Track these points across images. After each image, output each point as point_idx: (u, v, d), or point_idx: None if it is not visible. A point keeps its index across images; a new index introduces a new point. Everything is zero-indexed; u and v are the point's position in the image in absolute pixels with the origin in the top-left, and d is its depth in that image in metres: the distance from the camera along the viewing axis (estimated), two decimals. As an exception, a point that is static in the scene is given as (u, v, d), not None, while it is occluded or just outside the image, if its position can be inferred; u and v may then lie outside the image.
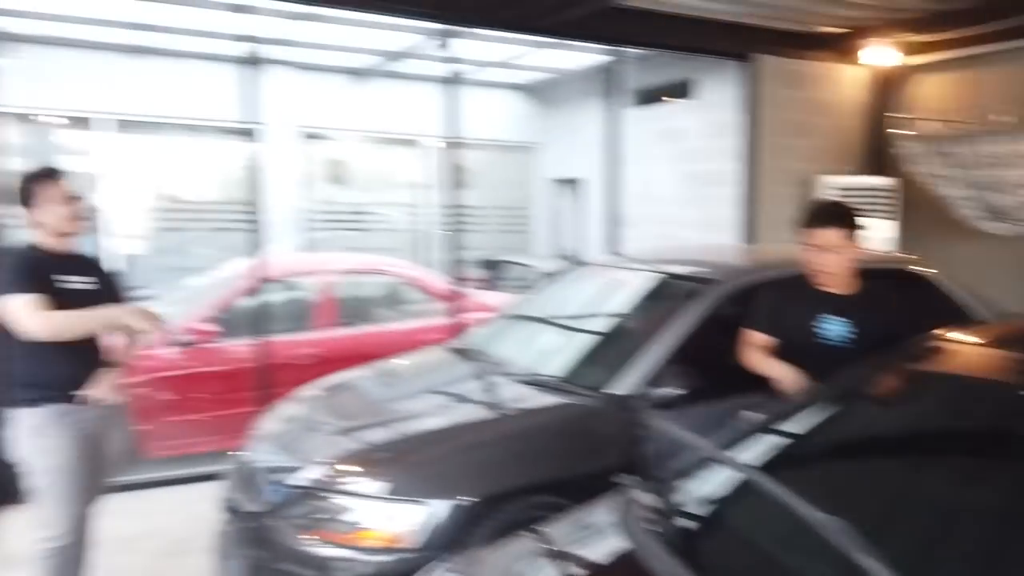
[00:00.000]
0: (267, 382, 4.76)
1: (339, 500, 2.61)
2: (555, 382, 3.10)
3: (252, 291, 5.58)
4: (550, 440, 2.83)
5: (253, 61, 4.47)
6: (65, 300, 2.74)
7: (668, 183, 7.39)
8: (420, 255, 9.04)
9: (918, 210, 6.15)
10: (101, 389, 2.82)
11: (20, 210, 2.84)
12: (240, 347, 5.36)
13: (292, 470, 2.83)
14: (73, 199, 2.84)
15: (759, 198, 6.38)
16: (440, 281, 6.35)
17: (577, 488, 2.72)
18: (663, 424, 2.13)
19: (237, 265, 6.49)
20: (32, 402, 2.74)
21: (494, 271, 7.63)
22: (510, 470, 2.70)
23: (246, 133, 8.01)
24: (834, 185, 6.32)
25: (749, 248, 5.79)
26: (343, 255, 7.70)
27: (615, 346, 3.35)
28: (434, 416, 3.01)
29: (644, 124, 7.50)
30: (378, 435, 2.91)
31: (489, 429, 2.88)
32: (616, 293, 3.65)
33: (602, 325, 3.57)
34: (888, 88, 6.61)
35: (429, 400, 3.22)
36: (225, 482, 3.32)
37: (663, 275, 3.53)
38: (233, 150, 8.43)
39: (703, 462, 1.97)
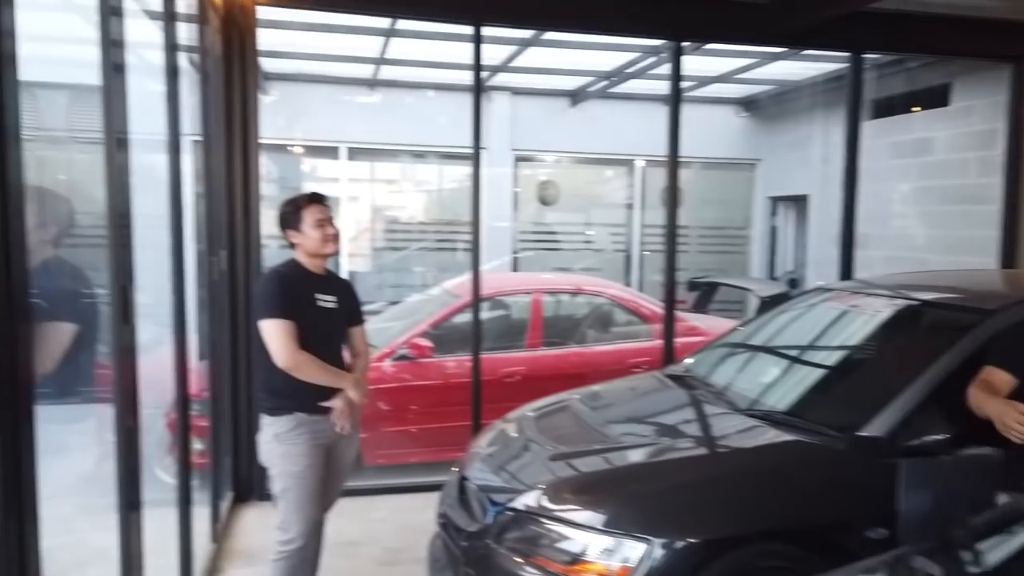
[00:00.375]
0: (478, 398, 4.81)
1: (557, 528, 2.49)
2: (789, 419, 2.78)
3: (465, 309, 5.73)
4: (785, 483, 2.53)
5: (479, 88, 4.57)
6: (315, 318, 2.89)
7: (906, 200, 6.64)
8: (630, 276, 8.88)
9: None
10: (343, 402, 2.95)
11: (285, 232, 3.03)
12: (452, 363, 5.51)
13: (509, 492, 2.77)
14: (331, 222, 3.00)
15: (1019, 217, 5.51)
16: (650, 303, 6.14)
17: (816, 539, 2.42)
18: (941, 473, 1.79)
19: (452, 283, 6.73)
20: (279, 410, 2.91)
21: (707, 294, 7.27)
22: (739, 512, 2.43)
23: (466, 157, 8.41)
24: None
25: (1016, 274, 5.00)
26: (552, 275, 7.74)
27: (862, 382, 2.97)
28: (654, 446, 2.82)
29: (879, 137, 6.82)
30: (596, 463, 2.77)
31: (715, 465, 2.64)
32: (859, 323, 3.25)
33: (843, 358, 3.18)
34: None
35: (647, 429, 3.03)
36: (440, 497, 3.33)
37: (921, 304, 3.08)
38: (451, 173, 8.82)
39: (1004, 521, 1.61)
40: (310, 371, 2.85)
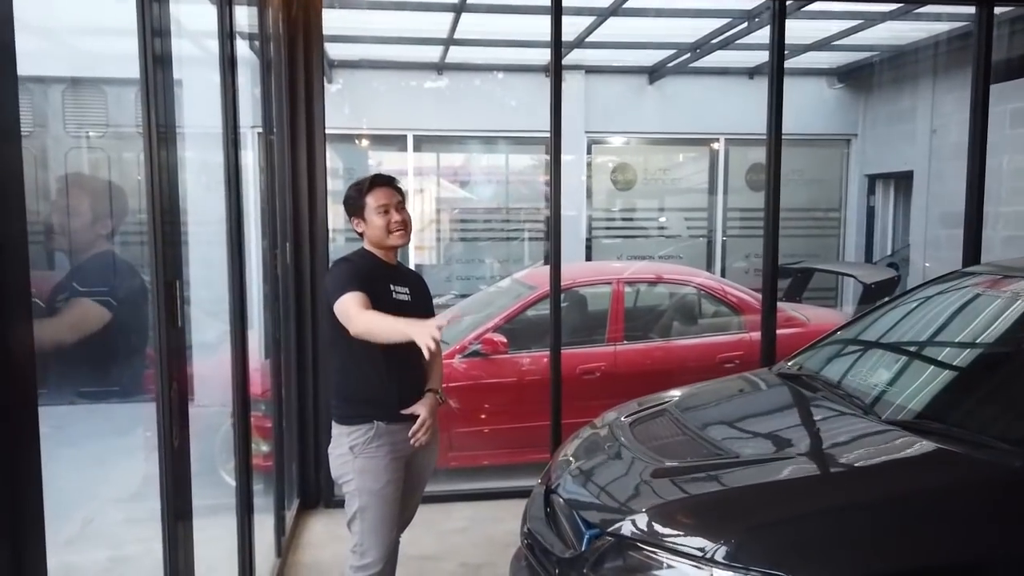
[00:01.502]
0: (558, 397, 4.44)
1: (668, 558, 2.09)
2: (945, 428, 2.30)
3: (541, 301, 5.36)
4: (953, 508, 2.06)
5: (559, 66, 4.17)
6: (390, 310, 2.56)
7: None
8: (712, 263, 8.34)
9: None
10: (425, 409, 2.63)
11: (351, 220, 2.74)
12: (528, 359, 5.15)
13: (606, 513, 2.38)
14: (399, 208, 2.67)
15: None
16: (741, 291, 5.64)
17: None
18: None
19: (524, 273, 6.36)
20: (355, 419, 2.59)
21: (801, 281, 6.69)
22: (899, 544, 1.98)
23: (538, 142, 8.07)
24: None
25: None
26: (633, 263, 7.30)
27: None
28: (779, 462, 2.38)
29: (996, 104, 6.09)
30: (710, 481, 2.34)
31: (861, 486, 2.18)
32: (1019, 313, 2.72)
33: (1006, 354, 2.66)
34: None
35: (766, 439, 2.58)
36: (524, 511, 2.98)
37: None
38: (522, 160, 8.45)
39: None
40: (379, 323, 2.42)
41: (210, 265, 3.31)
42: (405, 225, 2.66)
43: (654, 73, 7.88)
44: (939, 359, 2.85)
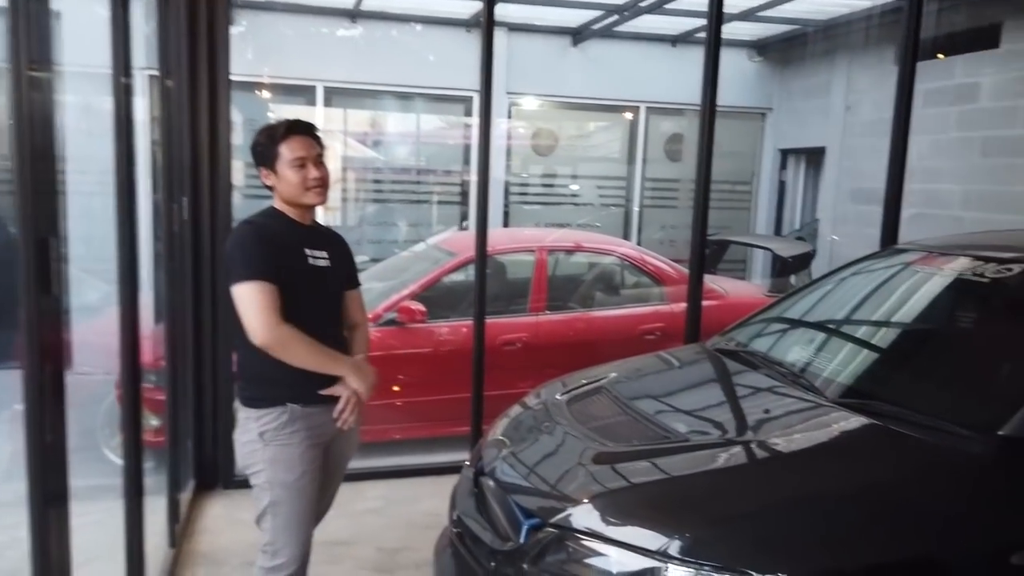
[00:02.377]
0: (480, 368, 4.23)
1: (618, 554, 1.92)
2: (901, 412, 2.22)
3: (462, 267, 5.11)
4: (919, 498, 1.97)
5: (491, 18, 3.88)
6: (305, 279, 2.27)
7: (940, 153, 6.09)
8: (630, 233, 8.29)
9: None
10: (354, 381, 2.32)
11: (259, 170, 2.35)
12: (447, 328, 4.91)
13: (546, 501, 2.19)
14: (317, 163, 2.32)
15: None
16: (666, 263, 5.56)
17: (965, 571, 1.89)
18: None
19: (442, 238, 6.08)
20: (266, 401, 2.26)
21: (716, 253, 6.71)
22: (865, 538, 1.87)
23: (459, 100, 7.74)
24: None
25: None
26: (555, 231, 7.13)
27: (986, 366, 2.41)
28: (733, 447, 2.24)
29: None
30: (660, 468, 2.18)
31: (823, 475, 2.06)
32: (965, 291, 2.68)
33: (952, 334, 2.62)
34: None
35: (715, 421, 2.45)
36: (452, 496, 2.76)
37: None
38: (440, 118, 8.09)
39: None
40: (296, 351, 2.19)
41: (93, 218, 2.91)
42: (324, 182, 2.33)
43: (578, 35, 7.67)
44: (886, 338, 2.79)
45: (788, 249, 5.85)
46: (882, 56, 6.72)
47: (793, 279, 5.98)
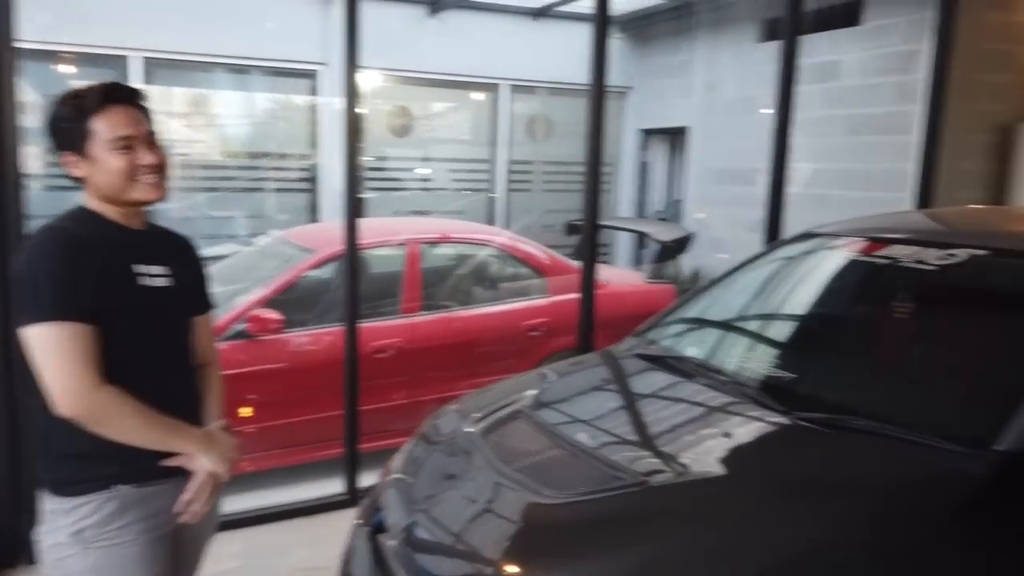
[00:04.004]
0: (354, 382, 3.65)
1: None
2: (880, 428, 1.90)
3: (322, 265, 4.46)
4: (913, 530, 1.64)
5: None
6: (135, 306, 1.63)
7: (806, 131, 6.10)
8: (495, 220, 7.86)
9: None
10: (207, 460, 1.69)
11: (62, 157, 1.64)
12: (308, 338, 4.25)
13: (473, 566, 1.70)
14: (151, 144, 1.65)
15: (940, 148, 5.10)
16: (547, 253, 5.17)
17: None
18: None
19: (296, 232, 5.36)
20: (83, 485, 1.59)
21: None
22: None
23: (304, 76, 6.94)
24: (1042, 131, 5.05)
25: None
26: (422, 221, 6.56)
27: (958, 368, 2.15)
28: (701, 488, 1.83)
29: (776, 61, 6.22)
30: (621, 525, 1.72)
31: (798, 511, 1.68)
32: (903, 280, 2.42)
33: (904, 331, 2.36)
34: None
35: (670, 453, 2.02)
36: (343, 561, 2.20)
37: (991, 254, 2.30)
38: (282, 96, 7.25)
39: None
40: (121, 425, 1.55)
41: None
42: (159, 169, 1.67)
43: (436, 4, 7.08)
44: (836, 338, 2.50)
45: (666, 233, 5.64)
46: (743, 34, 6.67)
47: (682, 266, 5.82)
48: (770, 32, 6.39)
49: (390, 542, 1.99)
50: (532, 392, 2.45)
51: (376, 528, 2.12)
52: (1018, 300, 2.22)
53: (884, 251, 2.54)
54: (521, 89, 7.84)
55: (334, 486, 3.72)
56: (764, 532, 1.60)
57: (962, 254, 2.33)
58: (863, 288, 2.59)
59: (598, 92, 3.94)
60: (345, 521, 2.39)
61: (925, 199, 5.02)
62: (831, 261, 2.74)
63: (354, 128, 3.40)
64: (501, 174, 7.93)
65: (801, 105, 5.78)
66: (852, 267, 2.64)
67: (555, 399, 2.45)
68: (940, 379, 2.13)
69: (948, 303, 2.33)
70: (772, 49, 6.13)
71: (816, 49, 5.86)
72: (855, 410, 2.01)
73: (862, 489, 1.73)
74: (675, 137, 7.97)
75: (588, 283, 4.03)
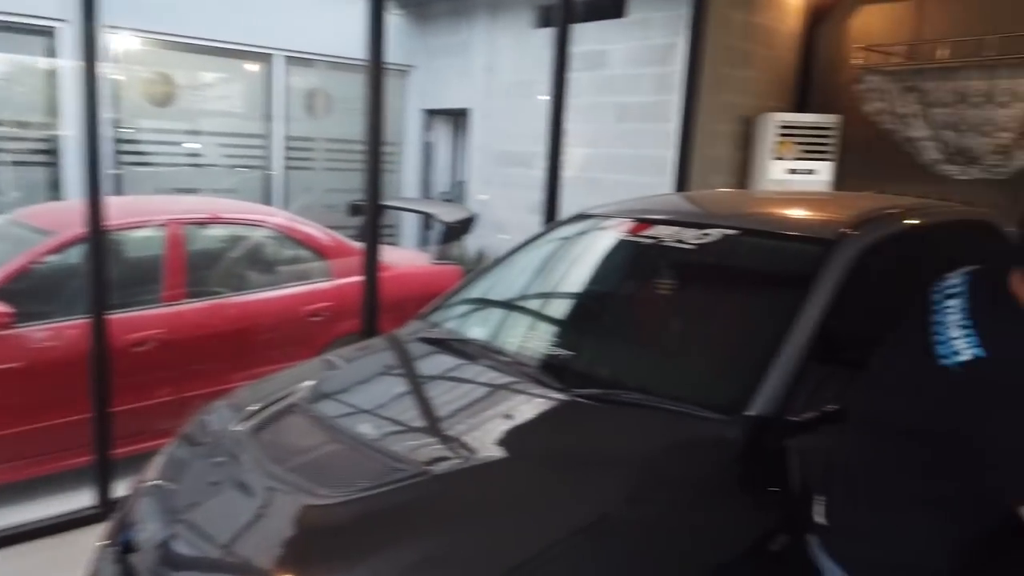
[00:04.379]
0: (103, 379, 3.25)
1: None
2: (651, 400, 2.00)
3: (63, 249, 3.91)
4: (677, 496, 1.74)
5: None
6: None
7: (578, 117, 6.37)
8: (272, 199, 7.41)
9: (855, 151, 5.66)
10: None
11: None
12: (47, 333, 3.72)
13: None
14: None
15: (695, 136, 5.56)
16: (327, 234, 4.95)
17: (729, 569, 1.71)
18: None
19: (29, 212, 4.67)
20: None
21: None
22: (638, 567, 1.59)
23: (41, 32, 6.04)
24: (777, 123, 5.66)
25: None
26: (187, 199, 6.00)
27: (712, 340, 2.31)
28: (486, 471, 1.80)
29: (549, 47, 6.41)
30: (401, 519, 1.65)
31: (574, 488, 1.72)
32: (667, 258, 2.58)
33: (667, 306, 2.50)
34: (825, 17, 6.01)
35: (453, 436, 1.98)
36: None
37: (741, 233, 2.51)
38: (22, 56, 6.26)
39: None
40: None
41: None
42: None
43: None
44: (610, 315, 2.60)
45: (450, 214, 5.63)
46: (520, 18, 6.81)
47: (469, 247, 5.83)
48: (544, 19, 6.58)
49: (142, 562, 1.77)
50: (309, 383, 2.31)
51: (126, 547, 1.88)
52: (763, 275, 2.44)
53: (649, 231, 2.69)
54: (298, 62, 7.44)
55: (84, 499, 3.30)
56: (543, 514, 1.61)
57: (715, 233, 2.52)
58: (631, 266, 2.73)
59: (376, 68, 3.80)
60: (97, 538, 2.11)
61: (682, 183, 5.44)
62: (602, 241, 2.85)
63: (93, 93, 2.98)
64: (278, 151, 7.49)
65: (574, 91, 6.03)
66: (621, 247, 2.77)
67: (334, 389, 2.33)
68: (699, 351, 2.29)
69: (705, 279, 2.51)
70: (548, 35, 6.34)
71: (586, 38, 6.12)
72: (626, 384, 2.11)
73: (631, 461, 1.81)
74: (458, 118, 8.00)
75: (371, 265, 3.90)
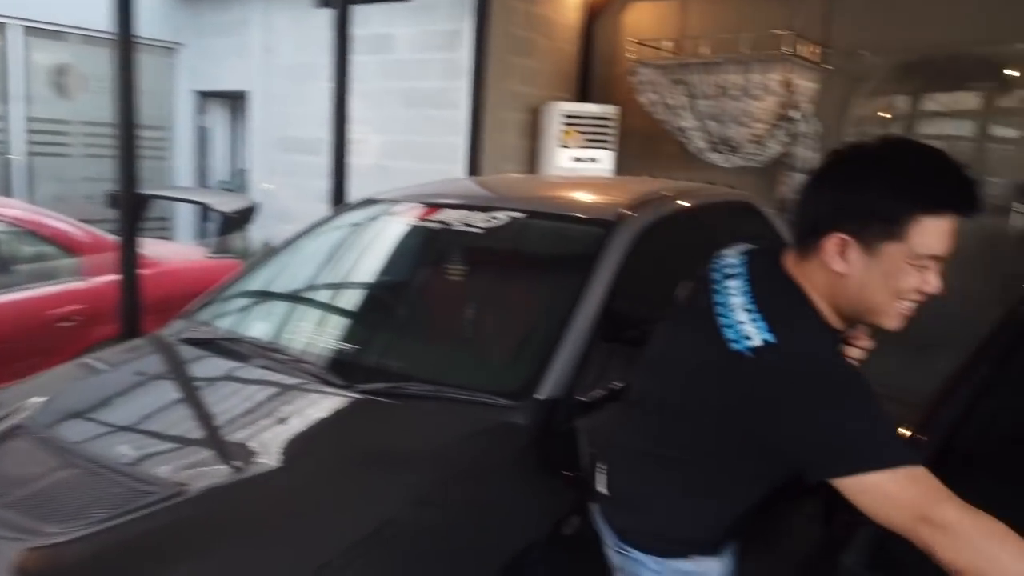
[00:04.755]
0: None
1: None
2: (440, 391, 1.89)
3: None
4: (474, 487, 1.66)
5: None
6: None
7: (365, 102, 6.15)
8: (13, 189, 6.45)
9: (633, 139, 5.96)
10: None
11: None
12: None
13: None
14: None
15: (484, 124, 5.57)
16: (76, 227, 4.35)
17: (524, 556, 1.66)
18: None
19: None
20: None
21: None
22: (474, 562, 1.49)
23: None
24: (561, 112, 5.80)
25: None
26: None
27: (497, 324, 2.25)
28: (235, 477, 1.60)
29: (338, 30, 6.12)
30: (135, 539, 1.40)
31: (365, 498, 1.58)
32: (455, 243, 2.49)
33: (455, 292, 2.40)
34: (602, 11, 6.25)
35: (218, 449, 1.74)
36: None
37: (527, 216, 2.47)
38: None
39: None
40: None
41: None
42: None
43: None
44: (401, 303, 2.46)
45: (227, 203, 5.19)
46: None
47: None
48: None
49: None
50: (38, 398, 1.95)
51: None
52: (549, 257, 2.43)
53: (438, 215, 2.58)
54: (41, 33, 6.52)
55: None
56: (318, 528, 1.45)
57: (503, 216, 2.47)
58: (420, 253, 2.62)
59: (125, 42, 3.36)
60: None
61: (474, 171, 5.43)
62: (391, 227, 2.71)
63: None
64: (18, 134, 6.52)
65: (360, 76, 5.80)
66: (410, 232, 2.65)
67: (70, 404, 1.98)
68: (488, 336, 2.23)
69: (493, 263, 2.46)
70: (329, 16, 6.05)
71: (371, 20, 5.90)
72: (416, 376, 1.99)
73: (420, 458, 1.70)
74: (236, 101, 7.43)
75: (129, 261, 3.47)
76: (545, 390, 1.87)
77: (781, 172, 5.37)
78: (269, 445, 1.73)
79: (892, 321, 1.30)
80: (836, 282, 1.28)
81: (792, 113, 5.10)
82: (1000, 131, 5.12)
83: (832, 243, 1.25)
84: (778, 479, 1.39)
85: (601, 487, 1.54)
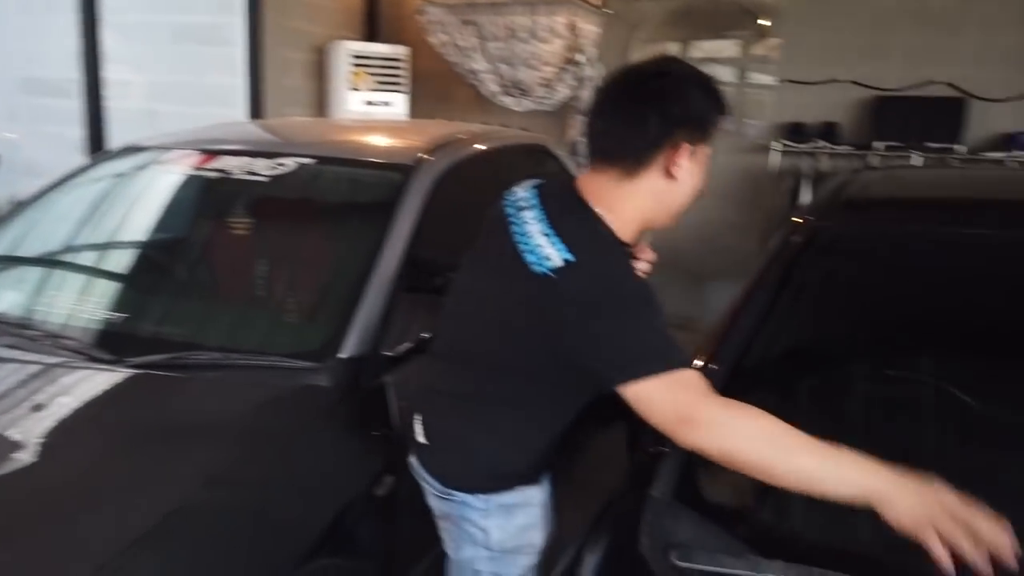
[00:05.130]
0: None
1: None
2: (228, 358, 1.72)
3: None
4: (275, 456, 1.54)
5: None
6: None
7: (126, 39, 5.46)
8: None
9: (426, 82, 5.82)
10: None
11: None
12: None
13: None
14: None
15: (264, 63, 5.17)
16: None
17: (353, 540, 1.58)
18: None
19: None
20: None
21: None
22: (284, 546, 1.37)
23: None
24: (349, 52, 5.51)
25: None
26: None
27: (290, 280, 2.08)
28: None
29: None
30: None
31: (144, 489, 1.39)
32: (236, 194, 2.26)
33: (240, 247, 2.18)
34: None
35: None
36: None
37: (317, 162, 2.29)
38: None
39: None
40: None
41: None
42: None
43: None
44: (179, 264, 2.20)
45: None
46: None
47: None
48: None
49: None
50: None
51: None
52: (344, 206, 2.29)
53: (215, 163, 2.34)
54: None
55: None
56: (89, 533, 1.26)
57: (290, 163, 2.28)
58: (197, 206, 2.37)
59: None
60: None
61: (256, 115, 5.06)
62: (162, 178, 2.42)
63: None
64: None
65: (115, 7, 5.13)
66: (185, 183, 2.38)
67: None
68: (283, 295, 2.07)
69: (282, 215, 2.27)
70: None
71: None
72: (203, 344, 1.80)
73: (211, 433, 1.54)
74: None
75: None
76: (348, 348, 1.76)
77: (570, 115, 5.50)
78: (22, 438, 1.48)
79: (676, 220, 1.41)
80: (665, 192, 1.34)
81: (578, 57, 5.21)
82: (756, 77, 5.58)
83: (680, 153, 1.31)
84: (588, 394, 1.43)
85: (420, 437, 1.49)
